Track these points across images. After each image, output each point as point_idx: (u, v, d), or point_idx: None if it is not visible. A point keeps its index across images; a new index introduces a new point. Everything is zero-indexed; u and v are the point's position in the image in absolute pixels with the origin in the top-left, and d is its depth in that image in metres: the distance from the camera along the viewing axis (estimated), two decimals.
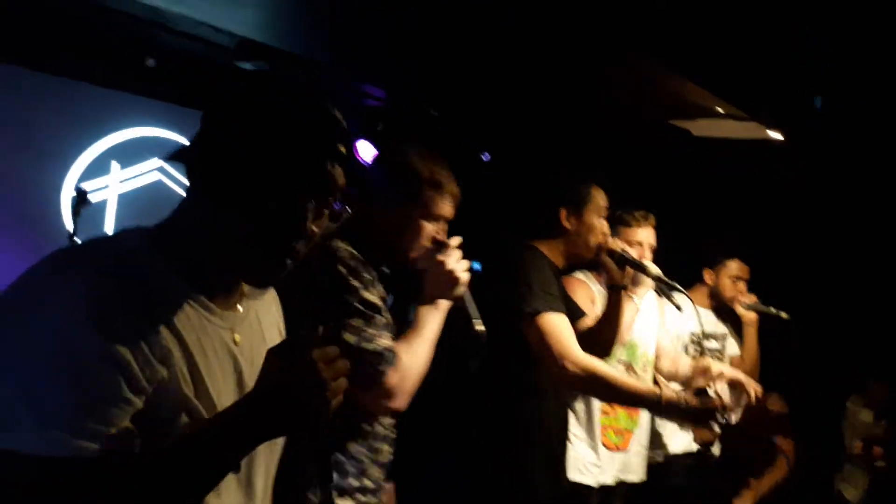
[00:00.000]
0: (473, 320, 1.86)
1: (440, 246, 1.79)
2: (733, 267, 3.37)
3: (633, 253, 2.41)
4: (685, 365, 2.90)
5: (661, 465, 2.98)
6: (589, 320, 2.46)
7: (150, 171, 4.91)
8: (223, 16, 4.01)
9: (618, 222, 2.73)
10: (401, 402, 1.68)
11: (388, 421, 1.80)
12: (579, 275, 2.79)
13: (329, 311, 1.60)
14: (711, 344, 3.19)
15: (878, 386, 3.60)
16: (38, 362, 0.90)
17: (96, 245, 1.05)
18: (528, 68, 3.99)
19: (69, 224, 4.03)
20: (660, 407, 2.19)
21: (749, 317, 3.29)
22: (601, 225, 2.41)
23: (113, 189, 4.77)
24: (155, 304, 0.99)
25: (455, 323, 1.93)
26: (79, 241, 1.15)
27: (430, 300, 1.79)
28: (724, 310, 3.27)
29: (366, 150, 5.17)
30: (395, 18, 3.51)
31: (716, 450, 3.11)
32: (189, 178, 1.10)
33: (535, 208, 2.47)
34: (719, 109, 4.10)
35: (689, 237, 2.79)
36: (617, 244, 2.41)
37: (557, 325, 2.22)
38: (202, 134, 1.10)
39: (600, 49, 3.54)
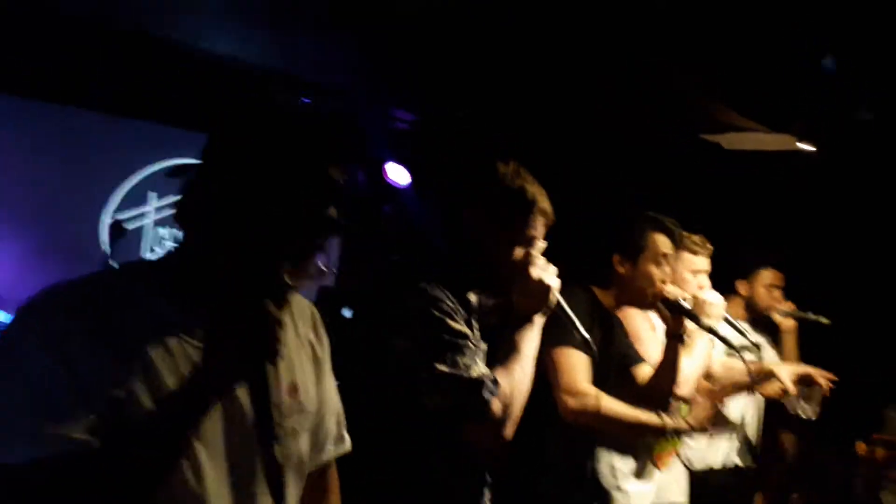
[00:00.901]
0: (575, 330, 1.84)
1: (527, 258, 1.74)
2: (767, 276, 3.36)
3: (688, 302, 2.34)
4: (741, 371, 2.83)
5: (700, 479, 2.93)
6: (647, 368, 2.41)
7: None
8: (254, 49, 4.14)
9: (679, 248, 2.61)
10: (508, 430, 1.62)
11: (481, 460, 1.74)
12: None
13: (419, 348, 1.58)
14: (747, 356, 3.16)
15: None
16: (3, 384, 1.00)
17: (82, 280, 1.10)
18: (560, 90, 4.05)
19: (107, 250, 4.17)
20: (664, 434, 2.25)
21: (787, 324, 3.28)
22: (658, 272, 2.34)
23: (149, 217, 4.92)
24: (127, 333, 1.04)
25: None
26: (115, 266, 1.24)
27: (524, 318, 1.74)
28: (760, 320, 3.26)
29: (396, 173, 5.25)
30: (426, 42, 3.58)
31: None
32: (181, 213, 1.13)
33: (590, 252, 2.44)
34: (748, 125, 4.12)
35: (719, 249, 2.80)
36: (673, 292, 2.35)
37: (569, 360, 2.20)
38: (201, 167, 1.14)
39: (636, 68, 3.58)
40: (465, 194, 1.78)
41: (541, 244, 1.79)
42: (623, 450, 2.47)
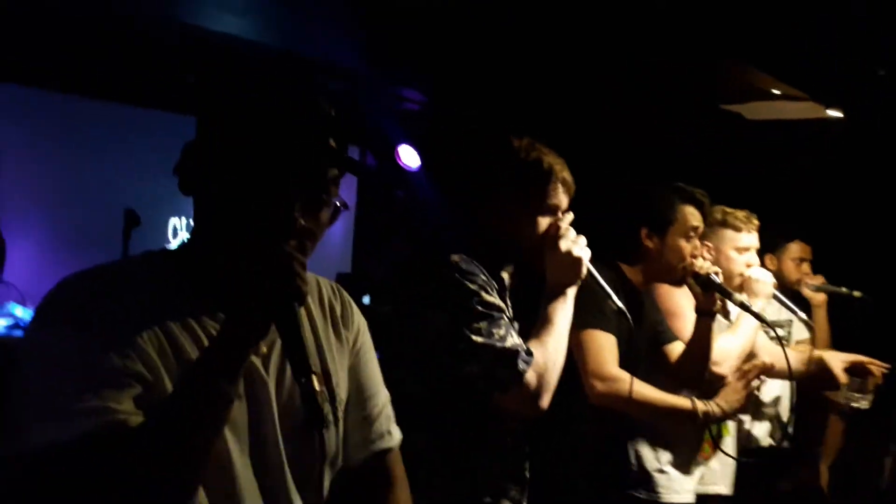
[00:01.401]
0: (609, 301, 1.82)
1: (556, 231, 1.73)
2: (795, 249, 3.27)
3: (719, 277, 2.24)
4: (790, 358, 2.73)
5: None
6: (680, 346, 2.34)
7: None
8: (260, 29, 4.07)
9: (721, 224, 2.55)
10: (543, 401, 1.63)
11: (520, 432, 1.76)
12: None
13: (454, 319, 1.59)
14: (779, 332, 3.06)
15: None
16: (44, 365, 0.97)
17: (102, 269, 1.08)
18: (576, 63, 3.95)
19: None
20: (696, 419, 2.13)
21: (818, 298, 3.18)
22: (688, 246, 2.24)
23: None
24: (154, 317, 1.02)
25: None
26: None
27: (555, 290, 1.73)
28: (789, 294, 3.15)
29: (408, 155, 5.17)
30: (434, 22, 3.49)
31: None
32: (183, 184, 1.09)
33: (616, 227, 2.34)
34: (776, 91, 3.99)
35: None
36: (704, 267, 2.24)
37: (596, 342, 2.12)
38: (196, 141, 1.10)
39: (649, 40, 3.48)
40: (483, 172, 1.78)
41: (568, 216, 1.77)
42: (666, 437, 2.39)
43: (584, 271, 1.75)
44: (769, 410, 3.02)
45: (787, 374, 2.67)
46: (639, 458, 2.43)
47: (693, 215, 2.27)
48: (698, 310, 2.27)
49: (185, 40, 4.12)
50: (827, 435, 3.40)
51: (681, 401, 2.18)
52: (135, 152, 4.70)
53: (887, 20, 3.14)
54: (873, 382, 2.60)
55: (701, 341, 2.25)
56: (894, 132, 4.06)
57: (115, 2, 3.72)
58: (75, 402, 0.94)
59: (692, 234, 2.26)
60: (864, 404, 2.61)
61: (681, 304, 2.43)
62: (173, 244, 5.00)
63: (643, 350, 2.29)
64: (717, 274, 2.24)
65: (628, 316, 1.87)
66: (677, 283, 2.32)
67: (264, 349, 1.09)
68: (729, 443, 2.60)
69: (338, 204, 1.10)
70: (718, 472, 2.57)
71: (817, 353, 2.67)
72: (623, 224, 2.31)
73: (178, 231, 5.04)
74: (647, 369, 2.23)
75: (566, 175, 1.75)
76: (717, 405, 2.15)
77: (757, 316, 2.29)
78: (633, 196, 2.36)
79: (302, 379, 0.99)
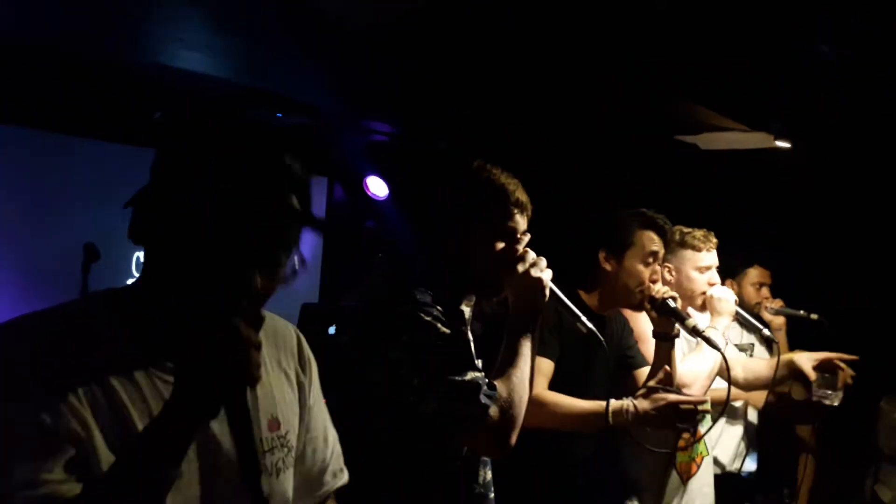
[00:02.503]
0: (578, 323, 1.75)
1: (513, 254, 1.65)
2: (754, 274, 3.30)
3: (676, 302, 2.22)
4: (760, 367, 2.72)
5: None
6: (645, 371, 2.29)
7: None
8: (226, 65, 4.03)
9: (681, 245, 2.54)
10: (511, 438, 1.51)
11: (484, 478, 1.65)
12: None
13: (410, 354, 1.49)
14: (740, 355, 3.07)
15: None
16: None
17: (46, 314, 1.02)
18: (536, 95, 3.98)
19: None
20: (608, 420, 1.99)
21: (777, 322, 3.20)
22: (646, 271, 2.22)
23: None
24: (91, 369, 0.96)
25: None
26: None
27: (519, 318, 1.63)
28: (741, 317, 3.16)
29: (376, 186, 5.14)
30: (401, 54, 3.49)
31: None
32: (132, 232, 1.05)
33: (575, 250, 2.31)
34: (723, 125, 4.08)
35: None
36: (661, 291, 2.22)
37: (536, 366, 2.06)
38: (148, 185, 1.05)
39: (608, 68, 3.52)
40: (438, 199, 1.71)
41: (525, 237, 1.69)
42: (647, 460, 2.35)
43: (547, 293, 1.66)
44: (734, 435, 3.02)
45: (756, 386, 2.70)
46: (634, 489, 2.41)
47: (652, 240, 2.25)
48: (656, 334, 2.25)
49: (151, 77, 4.07)
50: (799, 473, 3.40)
51: (593, 404, 2.07)
52: (99, 186, 4.60)
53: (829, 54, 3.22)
54: (843, 379, 2.58)
55: (662, 363, 2.21)
56: (842, 160, 4.16)
57: (79, 38, 3.65)
58: (5, 475, 0.88)
59: (650, 259, 2.23)
60: (834, 401, 2.59)
61: (646, 329, 2.41)
62: (137, 276, 4.87)
63: (609, 374, 2.25)
64: (673, 299, 2.21)
65: (599, 336, 1.80)
66: (636, 307, 2.29)
67: None
68: (707, 462, 2.57)
69: (297, 262, 1.04)
70: (701, 493, 2.54)
71: (787, 356, 2.67)
72: (582, 246, 2.28)
73: (142, 265, 4.93)
74: (614, 392, 2.21)
75: (520, 195, 1.66)
76: (634, 405, 2.02)
77: (709, 342, 2.23)
78: (593, 219, 2.35)
79: (246, 462, 0.95)
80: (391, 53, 3.54)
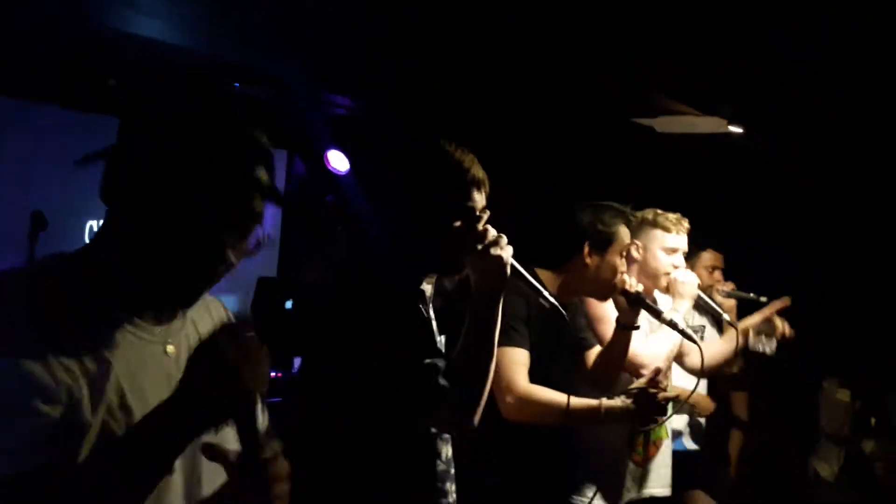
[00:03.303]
0: (541, 298, 1.72)
1: (474, 234, 1.60)
2: (707, 257, 3.34)
3: (645, 295, 2.28)
4: (715, 349, 2.76)
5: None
6: (595, 352, 2.34)
7: None
8: (184, 34, 3.88)
9: (652, 224, 2.56)
10: (473, 416, 1.51)
11: (446, 455, 1.65)
12: None
13: (373, 335, 1.47)
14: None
15: (857, 370, 3.60)
16: None
17: (15, 275, 1.03)
18: (499, 77, 3.94)
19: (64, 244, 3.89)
20: (601, 417, 2.09)
21: (728, 304, 3.23)
22: (621, 264, 2.26)
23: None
24: (71, 326, 0.97)
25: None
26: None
27: (481, 297, 1.59)
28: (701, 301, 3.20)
29: (337, 160, 5.05)
30: (364, 26, 3.41)
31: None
32: (103, 194, 1.04)
33: (556, 239, 2.32)
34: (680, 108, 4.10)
35: None
36: (633, 285, 2.25)
37: (507, 358, 2.07)
38: (117, 147, 1.04)
39: (567, 51, 3.49)
40: (396, 177, 1.67)
41: (484, 214, 1.64)
42: (604, 443, 2.37)
43: (508, 271, 1.61)
44: (685, 415, 3.06)
45: (714, 368, 2.76)
46: (576, 463, 2.41)
47: (627, 235, 2.30)
48: (620, 322, 2.27)
49: (105, 43, 3.90)
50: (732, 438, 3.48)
51: (586, 402, 2.13)
52: (48, 153, 4.41)
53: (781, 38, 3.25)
54: (779, 331, 2.71)
55: (618, 350, 2.25)
56: (793, 145, 4.22)
57: (34, 2, 3.48)
58: (9, 412, 0.89)
59: (625, 252, 2.28)
60: (766, 348, 2.70)
61: (608, 311, 2.42)
62: None
63: (563, 355, 2.27)
64: (641, 294, 2.26)
65: (562, 311, 1.78)
66: (602, 297, 2.33)
67: None
68: (667, 444, 2.59)
69: (261, 235, 1.05)
70: (655, 475, 2.55)
71: (740, 325, 2.74)
72: (566, 238, 2.28)
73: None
74: (565, 374, 2.21)
75: (477, 172, 1.60)
76: (616, 404, 2.11)
77: (684, 334, 2.29)
78: (580, 213, 2.33)
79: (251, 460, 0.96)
80: (353, 25, 3.46)
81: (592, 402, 2.10)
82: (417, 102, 4.44)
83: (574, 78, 3.91)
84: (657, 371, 2.14)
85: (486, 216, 1.63)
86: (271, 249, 5.55)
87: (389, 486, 1.54)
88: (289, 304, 3.72)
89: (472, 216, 1.59)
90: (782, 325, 2.69)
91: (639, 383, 2.11)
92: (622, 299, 2.26)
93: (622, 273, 2.25)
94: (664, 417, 2.27)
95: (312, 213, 5.50)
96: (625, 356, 2.27)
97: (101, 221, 1.06)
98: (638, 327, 2.26)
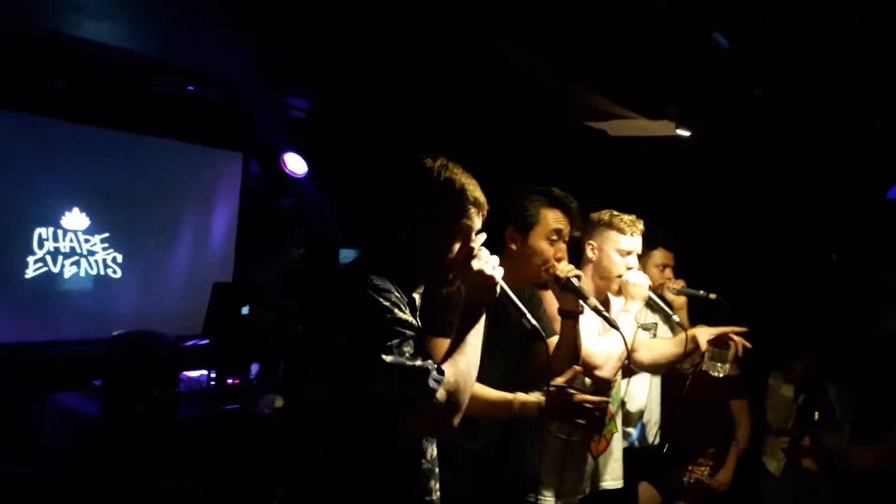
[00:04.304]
0: (523, 319, 1.77)
1: (469, 252, 1.68)
2: (658, 256, 3.34)
3: (580, 281, 2.19)
4: (665, 347, 2.74)
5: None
6: (553, 341, 2.27)
7: None
8: (136, 37, 3.78)
9: (607, 226, 2.54)
10: (454, 419, 1.54)
11: (431, 454, 1.68)
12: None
13: (364, 337, 1.50)
14: (645, 335, 3.13)
15: (799, 363, 3.66)
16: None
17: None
18: (451, 78, 3.93)
19: None
20: (515, 411, 1.99)
21: (678, 301, 3.26)
22: (550, 249, 2.21)
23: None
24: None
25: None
26: None
27: (469, 312, 1.67)
28: (652, 301, 3.24)
29: (294, 163, 4.97)
30: (320, 28, 3.35)
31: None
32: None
33: (486, 226, 2.30)
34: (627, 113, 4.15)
35: None
36: (564, 270, 2.19)
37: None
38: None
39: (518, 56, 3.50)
40: (396, 191, 1.69)
41: (481, 236, 1.72)
42: (555, 438, 2.35)
43: (498, 290, 1.70)
44: (637, 413, 3.08)
45: (663, 367, 2.74)
46: (528, 461, 2.39)
47: (557, 219, 2.23)
48: (561, 311, 2.22)
49: (53, 46, 3.77)
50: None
51: (503, 395, 2.04)
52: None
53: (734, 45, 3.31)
54: (733, 353, 2.65)
55: (567, 340, 2.21)
56: (737, 146, 4.30)
57: None
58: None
59: (555, 236, 2.22)
60: (718, 372, 2.67)
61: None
62: (39, 254, 4.56)
63: (514, 347, 2.23)
64: (578, 278, 2.18)
65: (542, 333, 1.83)
66: (540, 285, 2.28)
67: None
68: (617, 438, 2.60)
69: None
70: (610, 468, 2.56)
71: (691, 331, 2.71)
72: (489, 223, 2.26)
73: (45, 241, 4.59)
74: (521, 366, 2.18)
75: (479, 196, 1.68)
76: (541, 401, 2.00)
77: (609, 321, 2.22)
78: (501, 197, 2.30)
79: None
80: (308, 27, 3.41)
81: (507, 395, 2.02)
82: (374, 103, 4.40)
83: (523, 83, 3.92)
84: (577, 371, 2.04)
85: (482, 238, 1.72)
86: (227, 254, 5.46)
87: (377, 485, 1.58)
88: (245, 310, 3.64)
89: (468, 237, 1.68)
90: (737, 347, 2.65)
91: (557, 381, 2.00)
92: (555, 287, 2.20)
93: (551, 258, 2.21)
94: (586, 428, 2.11)
95: (268, 216, 5.41)
96: (574, 344, 2.21)
97: None
98: (580, 313, 2.20)
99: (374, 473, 1.57)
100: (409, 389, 1.49)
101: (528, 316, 1.77)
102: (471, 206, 1.67)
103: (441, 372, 1.54)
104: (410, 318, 1.56)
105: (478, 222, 1.70)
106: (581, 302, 2.19)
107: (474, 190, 1.68)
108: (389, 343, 1.49)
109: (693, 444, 3.52)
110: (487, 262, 1.69)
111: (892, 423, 3.30)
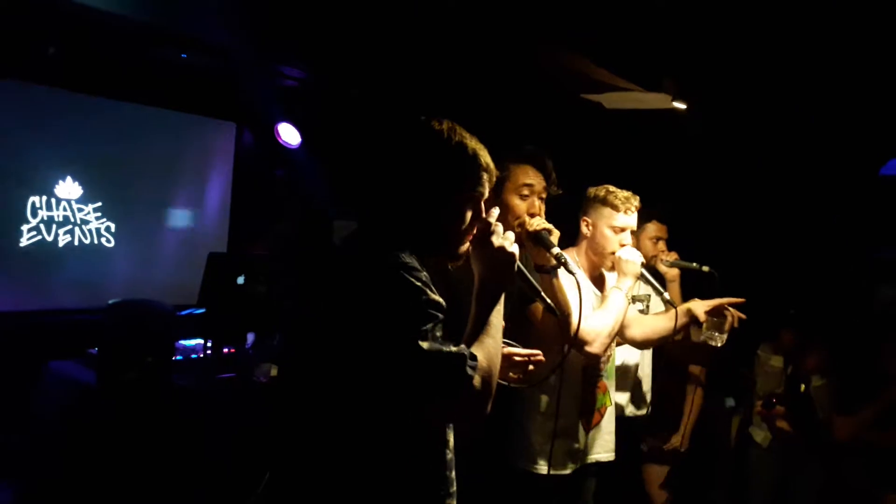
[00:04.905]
0: (538, 298, 1.73)
1: (487, 227, 1.56)
2: (651, 228, 3.35)
3: (551, 234, 2.14)
4: (657, 322, 2.72)
5: None
6: (539, 305, 2.19)
7: None
8: (129, 2, 3.70)
9: (602, 202, 2.51)
10: (488, 405, 1.46)
11: (451, 443, 1.58)
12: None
13: (396, 321, 1.38)
14: (637, 306, 3.14)
15: (788, 333, 3.68)
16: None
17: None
18: (447, 50, 3.87)
19: None
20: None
21: (671, 273, 3.27)
22: (522, 204, 2.18)
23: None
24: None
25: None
26: None
27: (488, 289, 1.55)
28: (647, 270, 3.24)
29: (288, 133, 4.92)
30: None
31: None
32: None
33: None
34: (624, 84, 4.11)
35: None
36: (534, 223, 2.15)
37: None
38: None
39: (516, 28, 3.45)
40: (397, 160, 1.54)
41: (495, 210, 1.61)
42: (550, 411, 2.33)
43: (515, 268, 1.60)
44: (630, 382, 3.09)
45: (654, 343, 2.74)
46: (522, 430, 2.39)
47: (526, 173, 2.21)
48: (536, 266, 2.18)
49: (45, 12, 3.69)
50: (687, 403, 3.53)
51: None
52: None
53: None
54: (729, 323, 2.66)
55: (548, 296, 2.12)
56: (732, 120, 4.28)
57: None
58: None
59: (525, 191, 2.20)
60: (717, 342, 2.68)
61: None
62: (33, 223, 4.52)
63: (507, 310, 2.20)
64: (547, 231, 2.14)
65: (556, 311, 1.79)
66: (517, 241, 2.25)
67: None
68: (610, 412, 2.59)
69: None
70: (602, 441, 2.56)
71: (684, 305, 2.71)
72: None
73: (38, 210, 4.55)
74: (515, 329, 2.16)
75: (489, 160, 1.55)
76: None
77: (567, 268, 2.13)
78: None
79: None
80: None
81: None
82: (365, 68, 4.34)
83: (521, 55, 3.87)
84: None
85: (496, 211, 1.60)
86: (222, 225, 5.42)
87: (403, 475, 1.48)
88: (240, 280, 3.63)
89: (479, 205, 1.56)
90: (733, 317, 2.66)
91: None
92: (529, 243, 2.16)
93: (523, 214, 2.18)
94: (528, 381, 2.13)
95: (262, 187, 5.36)
96: (559, 300, 2.16)
97: None
98: (555, 268, 2.15)
99: (397, 465, 1.46)
100: (447, 377, 1.39)
101: (543, 295, 1.72)
102: (483, 173, 1.53)
103: (474, 357, 1.44)
104: (440, 299, 1.44)
105: (488, 189, 1.56)
106: (547, 253, 2.14)
107: (485, 155, 1.54)
108: (424, 328, 1.38)
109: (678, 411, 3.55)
110: (508, 239, 1.58)
111: (871, 395, 3.34)
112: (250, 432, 2.99)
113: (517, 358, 1.84)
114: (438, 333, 1.41)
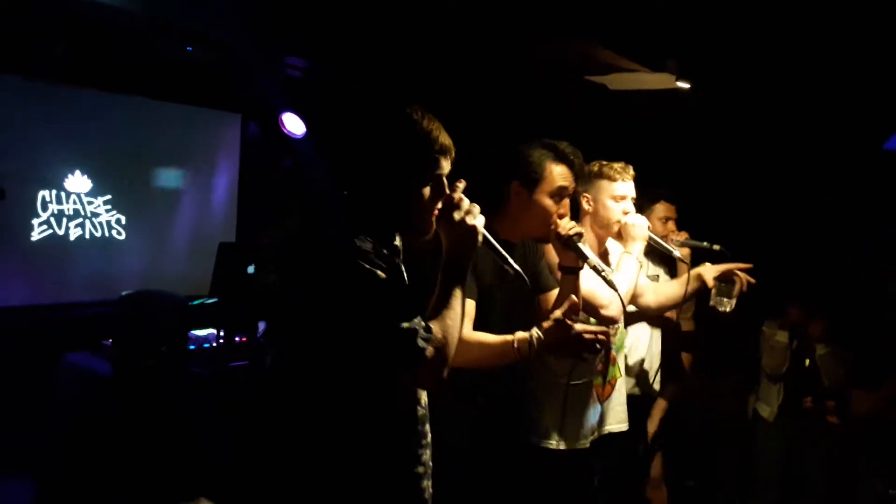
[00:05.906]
0: (505, 265, 1.76)
1: (450, 203, 1.63)
2: (661, 209, 3.32)
3: (581, 239, 2.15)
4: (670, 288, 2.76)
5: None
6: (553, 295, 2.25)
7: None
8: None
9: (598, 176, 2.53)
10: (443, 373, 1.55)
11: (424, 400, 1.68)
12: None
13: (349, 302, 1.47)
14: (649, 283, 3.11)
15: (793, 309, 3.64)
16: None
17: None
18: (450, 34, 3.83)
19: None
20: (514, 351, 1.91)
21: (682, 253, 3.24)
22: (554, 206, 2.16)
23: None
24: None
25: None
26: None
27: (451, 262, 1.63)
28: (656, 251, 3.21)
29: (292, 123, 4.88)
30: None
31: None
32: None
33: (488, 179, 2.21)
34: (629, 65, 4.06)
35: None
36: (566, 227, 2.15)
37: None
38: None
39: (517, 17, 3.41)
40: (361, 144, 1.61)
41: (460, 184, 1.66)
42: (558, 384, 2.34)
43: (480, 239, 1.66)
44: (638, 362, 3.07)
45: (668, 309, 2.74)
46: (537, 406, 2.38)
47: (562, 175, 2.18)
48: (562, 267, 2.20)
49: (52, 8, 3.66)
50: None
51: (502, 338, 1.98)
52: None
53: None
54: (738, 288, 2.68)
55: (566, 293, 2.15)
56: (738, 99, 4.23)
57: None
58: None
59: (559, 193, 2.18)
60: (725, 307, 2.70)
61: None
62: (43, 216, 4.51)
63: (518, 298, 2.18)
64: (579, 236, 2.15)
65: (525, 277, 1.80)
66: (542, 240, 2.24)
67: None
68: (621, 383, 2.61)
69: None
70: (614, 412, 2.59)
71: (694, 270, 2.74)
72: (494, 176, 2.20)
73: (49, 204, 4.54)
74: (524, 317, 2.12)
75: (444, 139, 1.60)
76: (539, 334, 1.92)
77: (608, 282, 2.18)
78: (508, 151, 2.23)
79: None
80: None
81: (507, 336, 1.95)
82: (368, 59, 4.30)
83: (525, 38, 3.82)
84: (573, 302, 1.95)
85: (461, 185, 1.65)
86: (230, 215, 5.40)
87: (375, 431, 1.57)
88: (251, 269, 3.62)
89: (439, 183, 1.61)
90: (742, 282, 2.68)
91: (556, 314, 1.92)
92: (557, 243, 2.17)
93: (555, 215, 2.16)
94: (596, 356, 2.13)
95: (269, 177, 5.34)
96: (580, 297, 2.17)
97: None
98: (580, 269, 2.17)
99: (372, 421, 1.56)
100: (399, 351, 1.48)
101: (511, 261, 1.75)
102: (436, 154, 1.58)
103: (428, 330, 1.52)
104: (396, 278, 1.54)
105: (446, 167, 1.62)
106: (581, 261, 2.16)
107: (439, 135, 1.59)
108: (375, 306, 1.47)
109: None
110: (470, 213, 1.64)
111: (892, 370, 3.30)
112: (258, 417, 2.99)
113: (587, 336, 1.88)
114: (394, 310, 1.49)
